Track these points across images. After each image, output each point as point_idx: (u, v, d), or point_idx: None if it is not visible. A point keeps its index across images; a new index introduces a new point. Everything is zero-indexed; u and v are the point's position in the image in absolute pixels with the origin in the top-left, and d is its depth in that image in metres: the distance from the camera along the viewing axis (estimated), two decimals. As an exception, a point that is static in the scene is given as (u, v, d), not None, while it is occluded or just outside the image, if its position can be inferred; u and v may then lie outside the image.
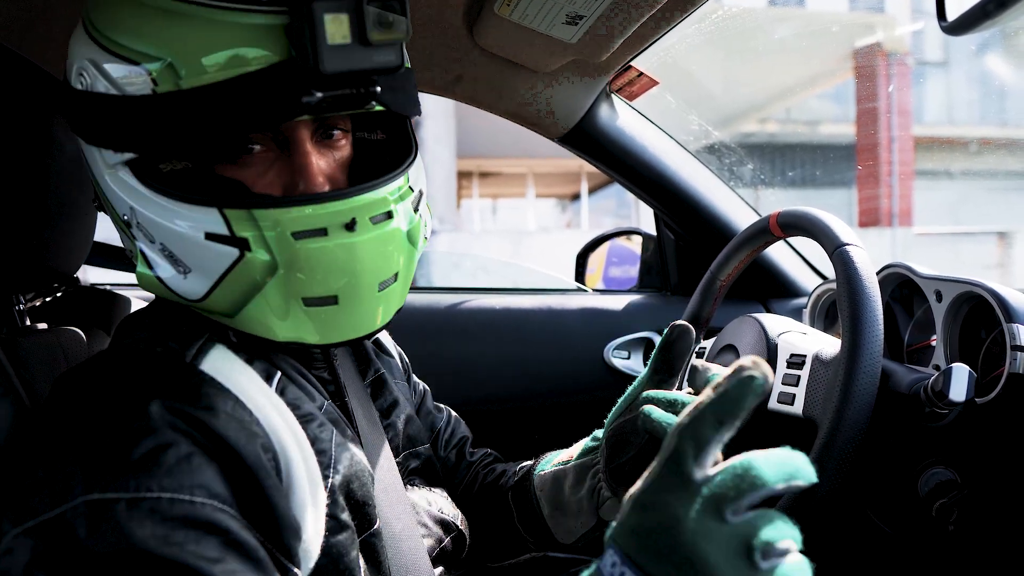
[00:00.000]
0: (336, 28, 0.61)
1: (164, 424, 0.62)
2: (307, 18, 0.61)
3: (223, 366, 0.71)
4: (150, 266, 0.70)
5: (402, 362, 1.08)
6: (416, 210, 0.75)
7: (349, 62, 0.62)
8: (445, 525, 0.94)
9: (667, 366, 0.83)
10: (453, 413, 1.16)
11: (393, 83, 0.69)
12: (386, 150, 0.82)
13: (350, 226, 0.67)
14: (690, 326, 0.82)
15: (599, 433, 0.92)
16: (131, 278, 0.88)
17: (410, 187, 0.74)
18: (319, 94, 0.63)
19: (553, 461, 0.98)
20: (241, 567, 0.59)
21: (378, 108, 0.70)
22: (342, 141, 0.77)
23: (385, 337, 1.06)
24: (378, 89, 0.66)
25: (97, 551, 0.55)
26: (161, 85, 0.64)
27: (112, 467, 0.58)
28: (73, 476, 0.58)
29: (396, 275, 0.73)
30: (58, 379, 0.71)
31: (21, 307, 1.00)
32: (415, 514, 0.89)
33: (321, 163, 0.72)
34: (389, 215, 0.70)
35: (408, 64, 0.69)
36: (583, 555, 1.52)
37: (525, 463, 1.05)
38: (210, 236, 0.66)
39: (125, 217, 0.70)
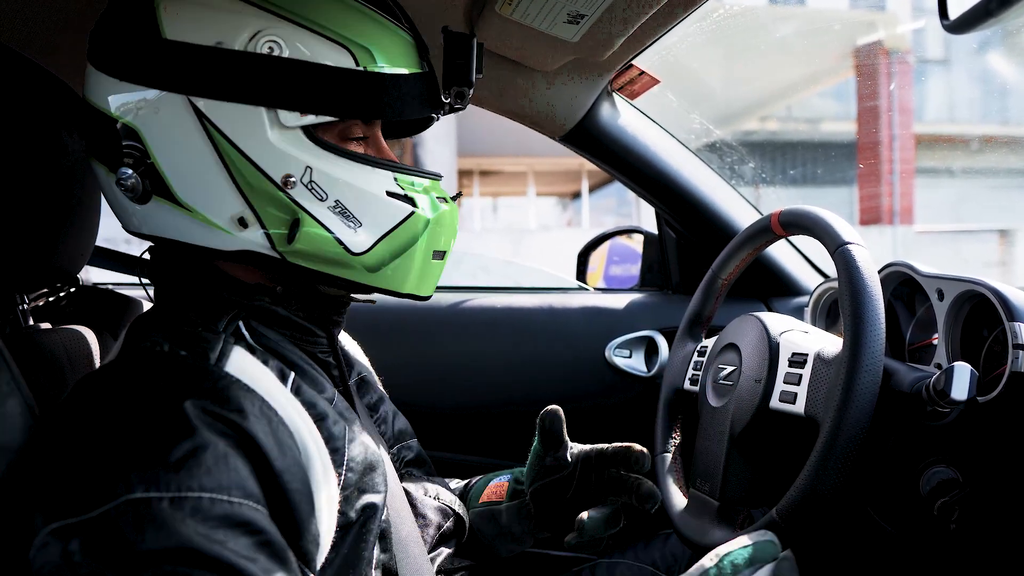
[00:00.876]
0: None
1: (201, 425, 0.63)
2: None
3: (246, 367, 0.73)
4: (322, 225, 0.77)
5: (373, 374, 1.13)
6: None
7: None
8: (444, 512, 1.00)
9: (553, 444, 1.02)
10: None
11: None
12: None
13: (454, 199, 0.88)
14: (557, 409, 1.02)
15: (522, 480, 1.06)
16: (133, 279, 0.88)
17: None
18: (447, 100, 0.85)
19: (481, 497, 1.09)
20: (274, 566, 0.61)
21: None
22: None
23: (358, 350, 1.12)
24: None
25: (143, 548, 0.56)
26: (364, 65, 0.76)
27: (153, 467, 0.60)
28: (115, 476, 0.59)
29: None
30: (81, 383, 0.71)
31: (25, 307, 1.00)
32: (412, 504, 0.95)
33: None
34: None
35: None
36: (583, 554, 1.52)
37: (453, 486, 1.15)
38: (390, 194, 0.79)
39: (291, 178, 0.75)
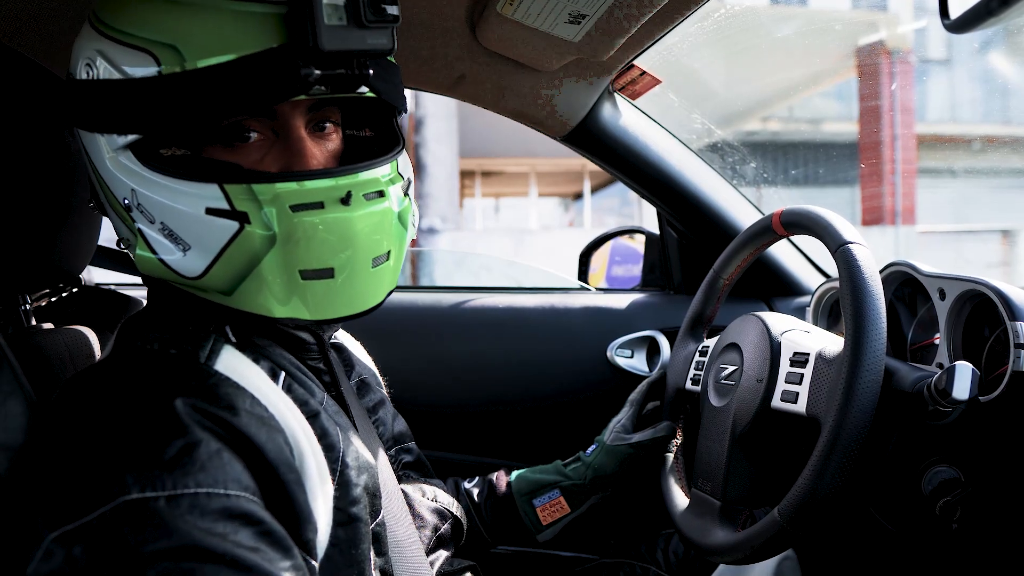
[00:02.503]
0: (332, 11, 0.67)
1: (192, 423, 0.63)
2: (306, 2, 0.66)
3: (236, 365, 0.73)
4: (150, 247, 0.72)
5: (376, 376, 1.13)
6: (406, 194, 0.80)
7: (345, 42, 0.67)
8: (441, 514, 1.00)
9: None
10: None
11: (383, 74, 0.73)
12: (374, 145, 0.86)
13: (345, 200, 0.70)
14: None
15: (569, 483, 1.14)
16: (135, 279, 0.88)
17: (399, 174, 0.78)
18: (317, 71, 0.68)
19: (543, 520, 1.14)
20: (276, 555, 0.61)
21: (369, 94, 0.74)
22: (333, 134, 0.80)
23: (361, 351, 1.11)
24: (371, 72, 0.71)
25: (144, 549, 0.56)
26: (165, 68, 0.68)
27: (147, 467, 0.60)
28: (109, 478, 0.59)
29: (388, 253, 0.76)
30: (71, 381, 0.71)
31: (27, 307, 1.00)
32: (409, 505, 0.95)
33: (314, 149, 0.76)
34: (381, 194, 0.74)
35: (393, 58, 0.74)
36: (584, 553, 1.52)
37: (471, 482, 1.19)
38: (211, 211, 0.69)
39: (125, 201, 0.72)
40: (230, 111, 0.69)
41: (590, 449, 1.17)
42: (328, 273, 0.71)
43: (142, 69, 0.68)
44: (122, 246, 0.78)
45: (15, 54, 0.95)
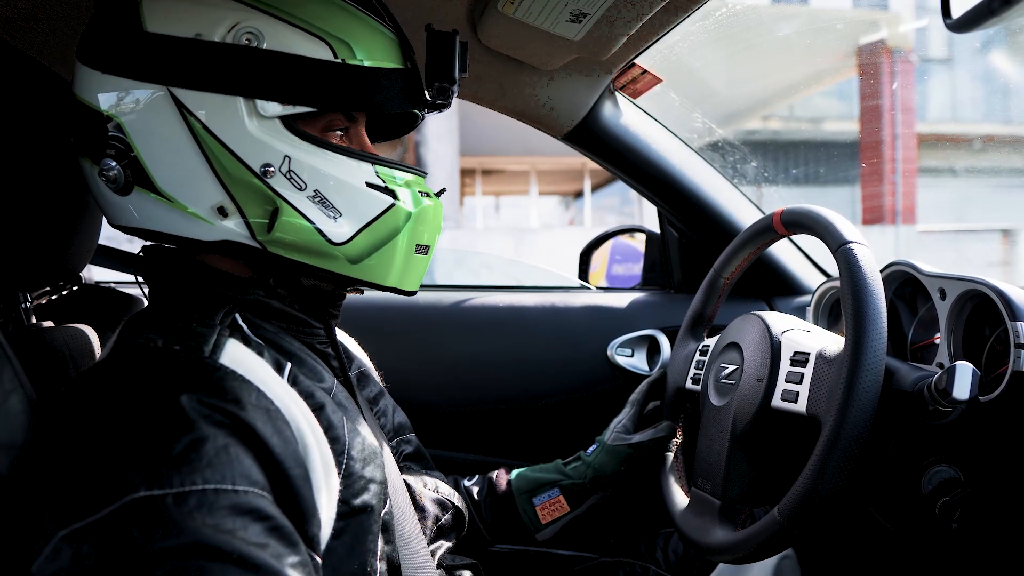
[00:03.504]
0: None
1: (199, 418, 0.63)
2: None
3: (241, 358, 0.74)
4: (299, 213, 0.78)
5: (373, 370, 1.14)
6: None
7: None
8: (442, 504, 1.01)
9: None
10: None
11: None
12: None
13: (438, 194, 0.89)
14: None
15: (569, 483, 1.15)
16: (135, 277, 0.88)
17: None
18: (431, 95, 0.85)
19: (542, 519, 1.15)
20: (284, 551, 0.61)
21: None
22: None
23: (356, 346, 1.13)
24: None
25: (152, 547, 0.56)
26: (343, 58, 0.77)
27: (155, 464, 0.60)
28: (117, 476, 0.59)
29: None
30: (76, 380, 0.71)
31: (28, 305, 1.00)
32: (411, 496, 0.96)
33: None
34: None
35: None
36: (584, 552, 1.52)
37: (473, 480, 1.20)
38: (370, 185, 0.80)
39: (267, 168, 0.76)
40: (386, 107, 0.81)
41: (591, 449, 1.17)
42: (425, 250, 0.86)
43: (319, 53, 0.76)
44: (219, 215, 0.78)
45: (16, 52, 0.95)
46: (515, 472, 1.18)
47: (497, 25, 1.12)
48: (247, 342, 0.77)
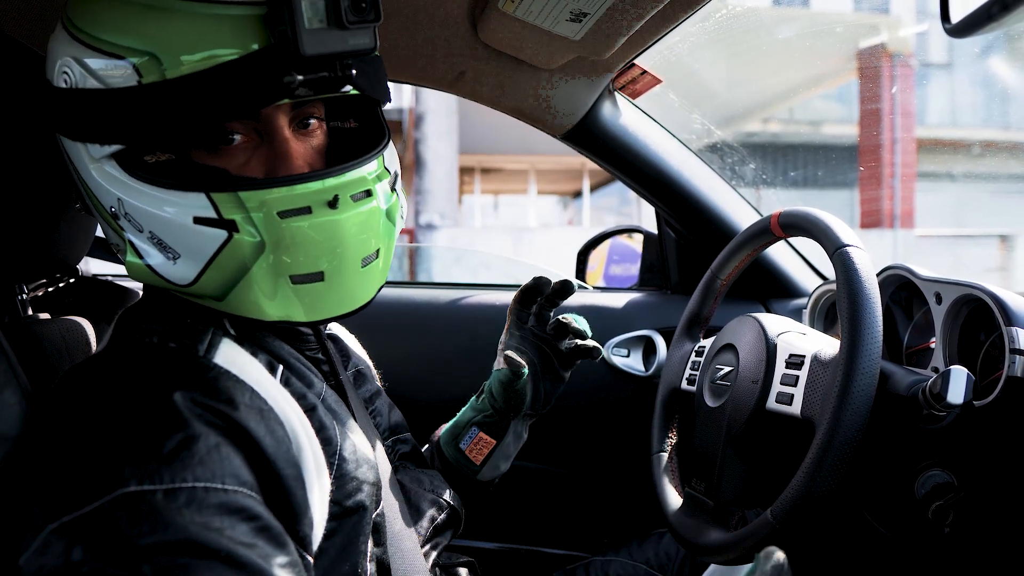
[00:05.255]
0: (313, 13, 0.65)
1: (192, 416, 0.63)
2: (286, 5, 0.64)
3: (235, 358, 0.74)
4: (139, 255, 0.72)
5: (371, 368, 1.12)
6: (393, 190, 0.79)
7: (326, 45, 0.66)
8: (438, 504, 0.99)
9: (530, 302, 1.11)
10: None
11: (366, 69, 0.72)
12: (359, 137, 0.85)
13: (333, 203, 0.70)
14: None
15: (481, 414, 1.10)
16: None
17: (386, 168, 0.78)
18: (299, 76, 0.66)
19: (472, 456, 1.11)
20: (272, 551, 0.61)
21: (352, 92, 0.73)
22: (317, 130, 0.79)
23: (355, 343, 1.11)
24: (353, 72, 0.70)
25: (140, 542, 0.56)
26: (146, 77, 0.66)
27: (146, 460, 0.60)
28: (108, 470, 0.59)
29: (377, 251, 0.76)
30: (70, 373, 0.71)
31: (24, 297, 1.00)
32: (407, 496, 0.95)
33: (300, 149, 0.75)
34: (368, 193, 0.73)
35: (378, 51, 0.72)
36: (578, 551, 1.52)
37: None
38: (198, 220, 0.68)
39: (112, 209, 0.71)
40: (212, 119, 0.67)
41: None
42: (318, 277, 0.72)
43: (121, 79, 0.67)
44: (114, 250, 0.78)
45: (16, 44, 0.94)
46: (442, 427, 1.16)
47: (497, 23, 1.12)
48: (241, 341, 0.77)
